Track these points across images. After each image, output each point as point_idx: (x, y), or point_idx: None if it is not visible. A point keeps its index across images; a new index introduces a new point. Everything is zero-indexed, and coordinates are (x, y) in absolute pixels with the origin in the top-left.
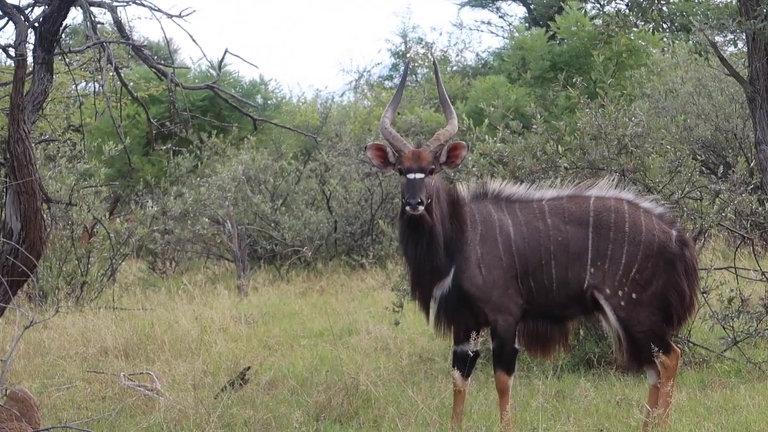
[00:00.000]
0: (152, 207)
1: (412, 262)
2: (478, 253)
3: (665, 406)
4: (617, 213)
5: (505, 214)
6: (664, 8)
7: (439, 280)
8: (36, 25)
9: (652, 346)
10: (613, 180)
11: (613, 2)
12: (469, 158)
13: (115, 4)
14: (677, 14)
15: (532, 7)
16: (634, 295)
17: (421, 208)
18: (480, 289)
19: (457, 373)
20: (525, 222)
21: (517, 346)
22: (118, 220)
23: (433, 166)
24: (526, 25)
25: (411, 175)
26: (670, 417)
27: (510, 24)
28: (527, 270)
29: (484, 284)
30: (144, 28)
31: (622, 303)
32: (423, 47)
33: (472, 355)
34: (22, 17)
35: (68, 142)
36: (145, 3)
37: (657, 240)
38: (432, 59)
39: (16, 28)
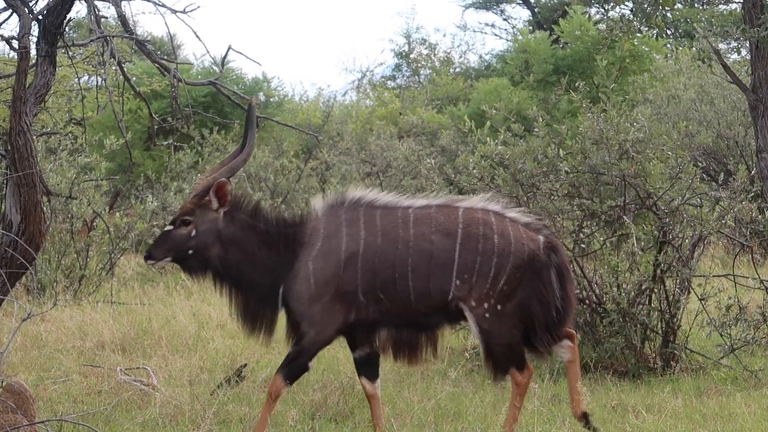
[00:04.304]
0: (152, 202)
1: (240, 305)
2: (310, 269)
3: (512, 421)
4: (485, 225)
5: (359, 225)
6: (668, 14)
7: (276, 304)
8: (40, 17)
9: (509, 361)
10: (487, 197)
11: (618, 7)
12: (471, 160)
13: None
14: (681, 21)
15: (536, 10)
16: (499, 307)
17: (150, 261)
18: (303, 304)
19: (363, 380)
20: (383, 233)
21: (311, 364)
22: (117, 214)
23: (187, 218)
24: (530, 28)
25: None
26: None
27: (514, 27)
28: (374, 284)
29: (309, 299)
30: (148, 23)
31: (487, 315)
32: (426, 48)
33: (372, 356)
34: (26, 9)
35: (69, 135)
36: None
37: (527, 249)
38: (251, 102)
39: (19, 20)
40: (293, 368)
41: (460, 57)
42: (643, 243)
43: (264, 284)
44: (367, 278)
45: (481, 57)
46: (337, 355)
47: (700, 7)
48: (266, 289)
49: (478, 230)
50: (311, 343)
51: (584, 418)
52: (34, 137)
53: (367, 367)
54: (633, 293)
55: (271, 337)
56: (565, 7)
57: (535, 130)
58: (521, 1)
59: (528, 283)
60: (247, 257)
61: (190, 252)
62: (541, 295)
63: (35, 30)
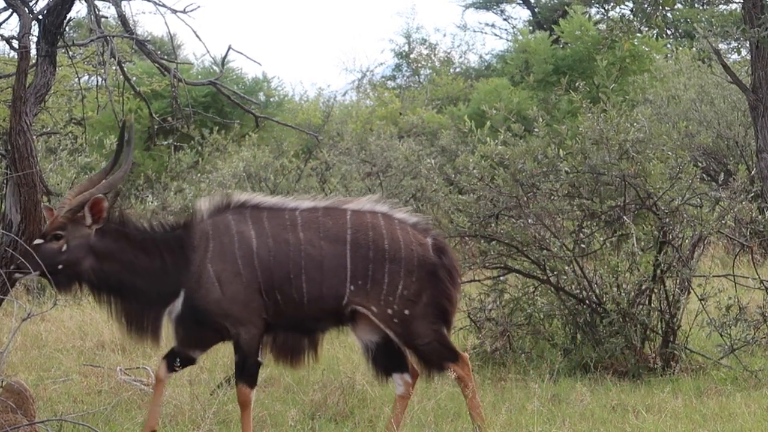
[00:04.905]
0: (152, 202)
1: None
2: (211, 271)
3: (477, 412)
4: (375, 229)
5: (249, 225)
6: (669, 14)
7: (164, 307)
8: (40, 17)
9: (440, 357)
10: (375, 198)
11: (618, 7)
12: (471, 160)
13: None
14: (681, 21)
15: (536, 10)
16: (407, 311)
17: (17, 275)
18: (218, 304)
19: (164, 364)
20: (272, 234)
21: (260, 359)
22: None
23: (59, 232)
24: (530, 28)
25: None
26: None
27: (514, 27)
28: (272, 284)
29: (222, 300)
30: (148, 23)
31: (395, 320)
32: (426, 48)
33: (192, 362)
34: (26, 9)
35: (70, 135)
36: None
37: (416, 254)
38: (127, 120)
39: (20, 19)
40: (248, 372)
41: (460, 57)
42: (643, 243)
43: (152, 290)
44: (267, 276)
45: (481, 57)
46: (337, 355)
47: (700, 7)
48: (155, 294)
49: (368, 236)
50: (248, 342)
51: None
52: (34, 137)
53: (175, 360)
54: (633, 293)
55: (159, 339)
56: (565, 7)
57: (535, 130)
58: (521, 1)
59: (430, 283)
60: (126, 267)
61: (60, 267)
62: (447, 292)
63: (35, 30)
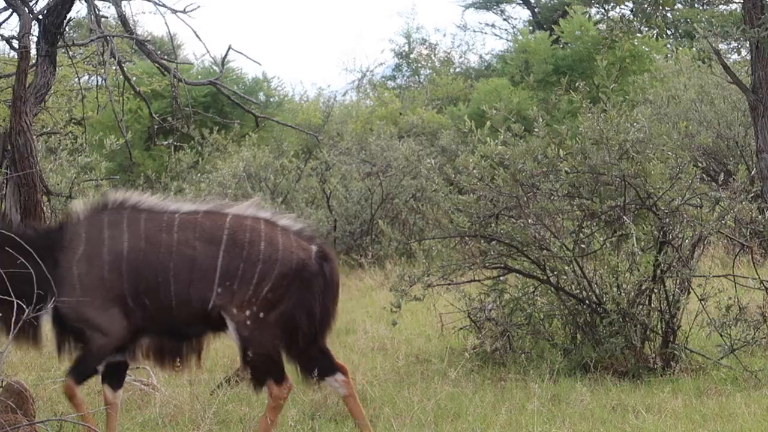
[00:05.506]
0: None
1: None
2: (75, 274)
3: None
4: (253, 231)
5: (123, 228)
6: (669, 15)
7: (38, 311)
8: (40, 17)
9: (267, 372)
10: (257, 202)
11: (618, 7)
12: (471, 160)
13: None
14: (681, 21)
15: (536, 10)
16: (261, 314)
17: None
18: (74, 309)
19: (106, 387)
20: (146, 236)
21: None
22: None
23: None
24: (530, 28)
25: None
26: None
27: (514, 27)
28: (139, 289)
29: (80, 304)
30: (148, 23)
31: (248, 322)
32: (426, 48)
33: (122, 365)
34: (26, 9)
35: (70, 135)
36: None
37: (296, 257)
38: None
39: (20, 20)
40: (81, 372)
41: (460, 57)
42: (643, 243)
43: (20, 294)
44: (132, 282)
45: (481, 57)
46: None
47: (700, 8)
48: (23, 298)
49: (244, 237)
50: (98, 350)
51: None
52: (34, 137)
53: (114, 376)
54: (633, 293)
55: (39, 344)
56: (565, 7)
57: (535, 130)
58: (521, 1)
59: (295, 292)
60: None
61: None
62: (309, 306)
63: (35, 30)
